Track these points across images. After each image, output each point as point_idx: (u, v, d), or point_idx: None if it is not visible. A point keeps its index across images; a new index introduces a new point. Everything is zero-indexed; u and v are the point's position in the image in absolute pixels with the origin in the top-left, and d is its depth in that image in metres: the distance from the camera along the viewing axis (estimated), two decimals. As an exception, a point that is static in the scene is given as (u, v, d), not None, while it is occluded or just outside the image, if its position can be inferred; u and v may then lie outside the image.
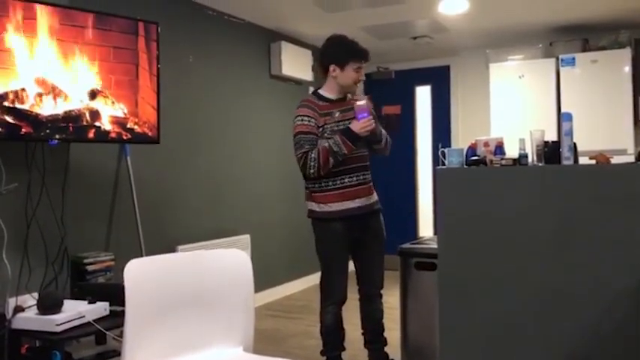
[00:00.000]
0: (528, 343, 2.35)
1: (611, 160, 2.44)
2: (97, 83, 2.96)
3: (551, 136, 2.63)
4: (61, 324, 2.55)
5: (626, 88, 5.20)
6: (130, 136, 3.14)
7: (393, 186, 6.37)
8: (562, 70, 5.40)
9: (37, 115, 2.74)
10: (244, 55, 5.13)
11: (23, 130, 2.70)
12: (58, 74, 2.82)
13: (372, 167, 3.19)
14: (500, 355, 2.40)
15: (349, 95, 3.14)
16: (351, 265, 3.17)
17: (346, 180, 3.03)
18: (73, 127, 2.88)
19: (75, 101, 2.88)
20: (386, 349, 3.25)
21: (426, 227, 6.67)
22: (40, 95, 2.75)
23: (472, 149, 2.70)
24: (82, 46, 2.90)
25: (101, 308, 2.77)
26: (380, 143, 3.16)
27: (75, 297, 2.94)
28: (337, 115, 3.03)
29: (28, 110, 2.70)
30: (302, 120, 3.00)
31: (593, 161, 2.45)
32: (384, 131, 3.20)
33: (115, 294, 2.61)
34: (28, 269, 2.86)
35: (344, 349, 3.18)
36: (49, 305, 2.62)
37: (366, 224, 3.12)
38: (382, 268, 3.19)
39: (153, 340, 1.97)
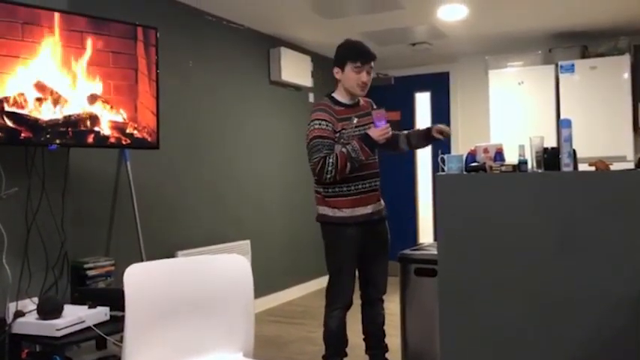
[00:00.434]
0: (528, 349, 2.35)
1: (610, 166, 2.44)
2: (96, 88, 2.97)
3: (551, 142, 2.64)
4: (61, 329, 2.55)
5: (625, 95, 5.22)
6: (129, 141, 3.14)
7: (393, 192, 6.31)
8: (561, 76, 5.42)
9: (36, 119, 2.74)
10: (244, 60, 5.14)
11: (23, 134, 2.70)
12: (57, 79, 2.82)
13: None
14: (500, 361, 2.40)
15: (360, 100, 3.15)
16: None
17: (360, 186, 3.05)
18: (73, 131, 2.88)
19: (74, 106, 2.89)
20: (387, 355, 3.25)
21: (425, 233, 6.67)
22: (39, 100, 2.75)
23: (472, 155, 2.71)
24: (81, 51, 2.91)
25: (101, 313, 2.76)
26: (397, 149, 3.27)
27: (75, 302, 2.93)
28: (355, 121, 3.06)
29: (27, 115, 2.71)
30: (320, 124, 2.99)
31: (593, 168, 2.46)
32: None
33: (115, 299, 2.60)
34: (28, 274, 2.86)
35: (346, 354, 3.18)
36: (49, 310, 2.62)
37: (376, 230, 3.14)
38: (387, 273, 3.21)
39: (153, 346, 1.97)
